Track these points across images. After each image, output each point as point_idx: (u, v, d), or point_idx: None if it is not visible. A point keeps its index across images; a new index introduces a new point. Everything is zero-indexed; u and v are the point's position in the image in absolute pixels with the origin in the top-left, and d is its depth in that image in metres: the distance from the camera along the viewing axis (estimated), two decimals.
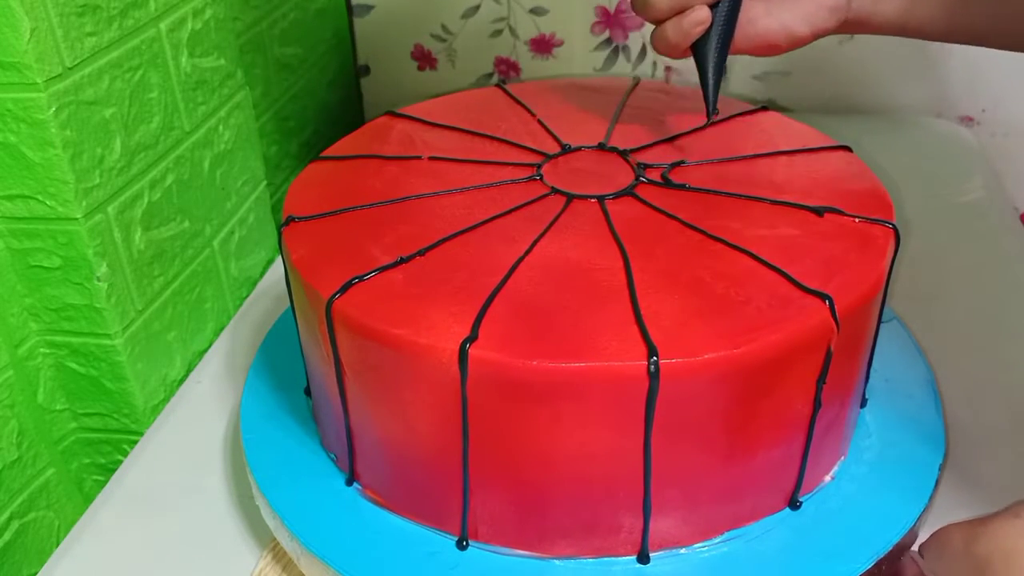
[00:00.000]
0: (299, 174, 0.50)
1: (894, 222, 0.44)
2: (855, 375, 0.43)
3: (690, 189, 0.47)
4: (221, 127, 0.63)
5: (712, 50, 0.47)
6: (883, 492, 0.44)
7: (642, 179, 0.48)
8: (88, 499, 0.56)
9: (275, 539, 0.46)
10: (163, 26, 0.56)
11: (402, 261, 0.41)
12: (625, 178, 0.48)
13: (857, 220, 0.44)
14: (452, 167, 0.50)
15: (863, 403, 0.48)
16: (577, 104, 0.57)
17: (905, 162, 0.77)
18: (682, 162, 0.49)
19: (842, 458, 0.45)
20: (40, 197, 0.49)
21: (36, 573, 0.47)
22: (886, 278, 0.42)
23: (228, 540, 0.48)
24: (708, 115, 0.49)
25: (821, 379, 0.39)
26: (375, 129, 0.55)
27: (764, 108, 0.55)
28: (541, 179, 0.48)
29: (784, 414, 0.40)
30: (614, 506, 0.39)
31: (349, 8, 0.93)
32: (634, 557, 0.40)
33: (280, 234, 0.45)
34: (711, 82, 0.48)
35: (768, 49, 0.48)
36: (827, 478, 0.44)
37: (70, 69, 0.48)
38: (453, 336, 0.37)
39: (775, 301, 0.38)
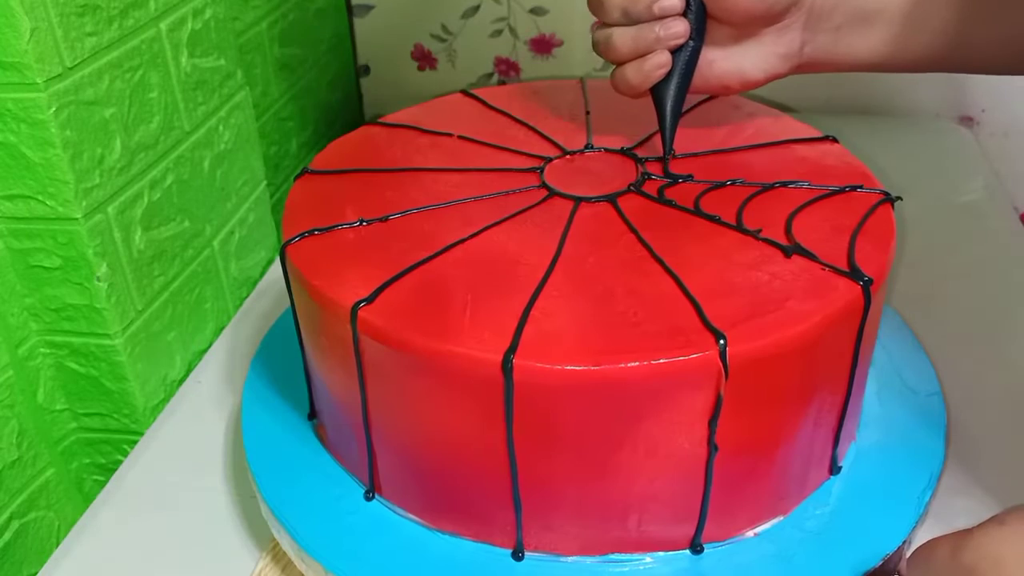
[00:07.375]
0: (291, 190, 0.48)
1: (890, 195, 0.45)
2: (872, 346, 0.45)
3: (700, 182, 0.47)
4: (221, 127, 0.63)
5: (671, 92, 0.47)
6: (897, 466, 0.45)
7: (648, 176, 0.48)
8: (88, 499, 0.56)
9: (275, 540, 0.46)
10: (163, 26, 0.56)
11: (414, 267, 0.41)
12: (628, 176, 0.48)
13: (861, 199, 0.45)
14: (454, 176, 0.49)
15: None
16: (546, 107, 0.56)
17: (905, 162, 0.77)
18: (676, 155, 0.49)
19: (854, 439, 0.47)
20: (40, 197, 0.49)
21: (36, 573, 0.47)
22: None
23: (228, 540, 0.48)
24: (664, 155, 0.49)
25: (855, 356, 0.41)
26: (359, 140, 0.54)
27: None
28: (546, 185, 0.48)
29: (827, 388, 0.41)
30: (674, 501, 0.39)
31: (349, 8, 0.93)
32: (687, 550, 0.41)
33: (284, 253, 0.44)
34: (668, 123, 0.48)
35: (722, 90, 0.49)
36: (849, 449, 0.46)
37: (70, 69, 0.48)
38: (496, 347, 0.36)
39: (813, 283, 0.40)
